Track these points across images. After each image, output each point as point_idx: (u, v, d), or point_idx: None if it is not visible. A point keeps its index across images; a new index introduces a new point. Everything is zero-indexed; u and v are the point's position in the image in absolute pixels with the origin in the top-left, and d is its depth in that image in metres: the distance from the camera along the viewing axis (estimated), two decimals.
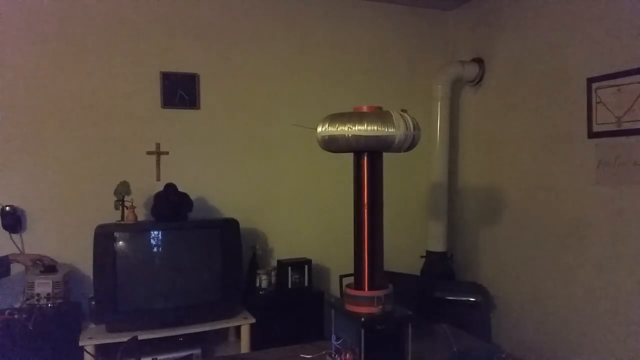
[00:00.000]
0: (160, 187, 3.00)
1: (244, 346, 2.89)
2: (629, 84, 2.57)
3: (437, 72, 3.74)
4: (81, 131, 3.06)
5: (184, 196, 2.98)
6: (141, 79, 3.18)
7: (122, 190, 2.95)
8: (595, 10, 2.77)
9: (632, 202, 2.59)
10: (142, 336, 2.49)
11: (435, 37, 4.00)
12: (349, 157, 1.84)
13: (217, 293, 2.89)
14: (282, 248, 3.52)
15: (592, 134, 2.79)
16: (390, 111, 1.71)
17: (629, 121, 2.58)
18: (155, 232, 2.83)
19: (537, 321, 3.16)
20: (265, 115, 3.49)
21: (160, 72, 3.20)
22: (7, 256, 2.68)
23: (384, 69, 3.84)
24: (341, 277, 1.93)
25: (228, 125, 3.40)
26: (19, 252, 2.86)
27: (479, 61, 3.66)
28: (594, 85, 2.76)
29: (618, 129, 2.64)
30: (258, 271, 3.26)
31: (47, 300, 2.64)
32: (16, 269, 2.78)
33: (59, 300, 2.68)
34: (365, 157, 1.79)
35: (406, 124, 1.69)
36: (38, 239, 2.93)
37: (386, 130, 1.65)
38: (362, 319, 1.68)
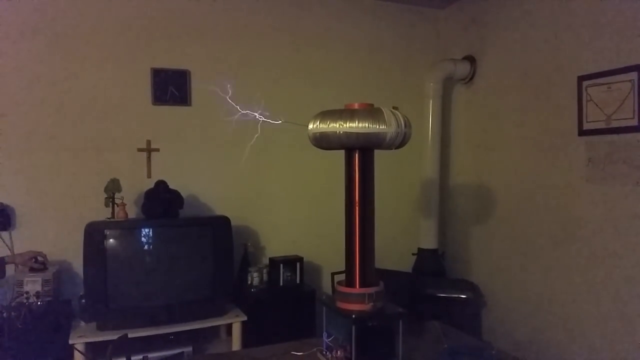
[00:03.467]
0: (151, 184, 2.98)
1: (235, 344, 2.88)
2: (619, 82, 2.59)
3: (429, 69, 3.75)
4: (71, 128, 3.03)
5: (175, 193, 2.97)
6: (132, 75, 3.15)
7: (113, 188, 2.93)
8: (586, 9, 2.78)
9: (621, 200, 2.61)
10: (133, 334, 2.48)
11: (427, 35, 4.01)
12: (341, 154, 1.84)
13: (208, 291, 2.88)
14: (274, 245, 3.51)
15: (582, 132, 2.80)
16: (382, 108, 1.71)
17: (619, 119, 2.60)
18: (146, 230, 2.82)
19: (528, 318, 3.18)
20: None
21: (151, 68, 3.18)
22: (2, 258, 2.63)
23: (376, 67, 3.84)
24: (333, 274, 1.93)
25: (219, 122, 3.37)
26: (8, 250, 2.83)
27: (470, 59, 3.67)
28: (585, 83, 2.78)
29: (608, 126, 2.65)
30: (250, 269, 3.25)
31: (37, 299, 2.62)
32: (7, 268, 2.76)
33: (49, 298, 2.65)
34: (357, 154, 1.80)
35: (397, 121, 1.69)
36: (27, 237, 2.90)
37: (377, 127, 1.65)
38: (353, 316, 1.68)
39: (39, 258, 2.72)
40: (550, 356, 3.00)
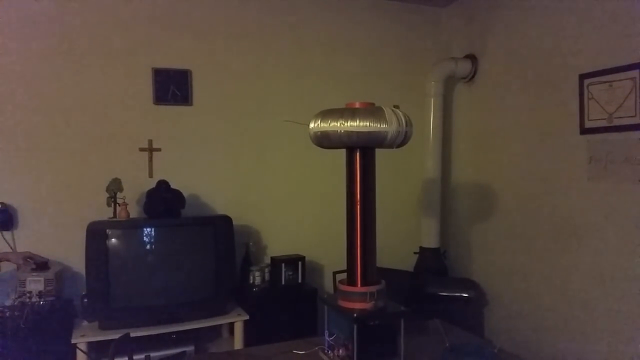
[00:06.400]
0: (152, 183, 2.99)
1: (238, 343, 2.89)
2: (621, 80, 2.58)
3: (430, 68, 3.74)
4: (73, 128, 3.04)
5: (177, 193, 2.97)
6: (133, 75, 3.16)
7: (114, 187, 2.94)
8: (587, 7, 2.78)
9: (623, 198, 2.60)
10: (135, 333, 2.48)
11: (428, 33, 4.00)
12: (342, 153, 1.84)
13: (210, 290, 2.88)
14: (276, 245, 3.52)
15: (583, 130, 2.80)
16: (383, 107, 1.71)
17: (620, 117, 2.59)
18: (148, 229, 2.82)
19: (530, 316, 3.18)
20: (258, 111, 3.48)
21: (152, 68, 3.18)
22: None
23: (377, 65, 3.83)
24: (334, 273, 1.94)
25: (221, 121, 3.38)
26: (10, 250, 2.84)
27: (471, 58, 3.67)
28: (586, 82, 2.77)
29: (609, 125, 2.65)
30: (251, 268, 3.25)
31: (39, 298, 2.63)
32: (8, 266, 2.76)
33: (51, 298, 2.66)
34: (358, 153, 1.80)
35: (398, 120, 1.69)
36: (30, 237, 2.91)
37: (378, 126, 1.65)
38: (355, 315, 1.68)
39: (35, 259, 2.73)
40: (552, 354, 3.00)
